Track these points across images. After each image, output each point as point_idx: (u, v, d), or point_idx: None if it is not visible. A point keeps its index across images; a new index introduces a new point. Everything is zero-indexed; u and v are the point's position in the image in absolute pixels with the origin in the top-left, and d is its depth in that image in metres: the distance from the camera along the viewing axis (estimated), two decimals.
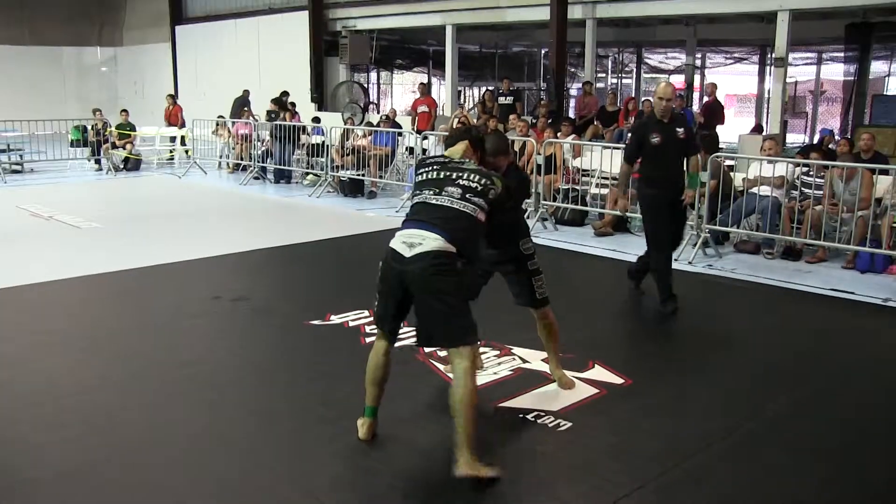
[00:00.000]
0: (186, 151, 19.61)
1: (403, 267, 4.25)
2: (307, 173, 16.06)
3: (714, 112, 15.58)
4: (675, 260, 9.32)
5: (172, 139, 20.12)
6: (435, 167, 4.58)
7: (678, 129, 7.42)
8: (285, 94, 19.55)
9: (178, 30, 26.92)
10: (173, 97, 20.94)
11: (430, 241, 4.22)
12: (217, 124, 18.77)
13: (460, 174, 4.48)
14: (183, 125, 19.97)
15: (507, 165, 5.11)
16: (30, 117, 18.10)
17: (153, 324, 7.03)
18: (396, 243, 4.32)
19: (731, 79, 28.76)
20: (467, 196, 4.38)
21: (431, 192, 4.44)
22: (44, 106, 23.16)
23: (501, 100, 17.42)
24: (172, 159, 19.79)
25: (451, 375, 5.63)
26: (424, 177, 4.56)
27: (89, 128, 18.56)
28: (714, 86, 16.12)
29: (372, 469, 4.37)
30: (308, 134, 16.09)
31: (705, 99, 15.43)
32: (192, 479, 4.31)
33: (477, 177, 4.47)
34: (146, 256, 9.25)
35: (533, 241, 5.27)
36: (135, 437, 4.74)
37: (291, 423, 4.96)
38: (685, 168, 7.62)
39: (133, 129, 18.92)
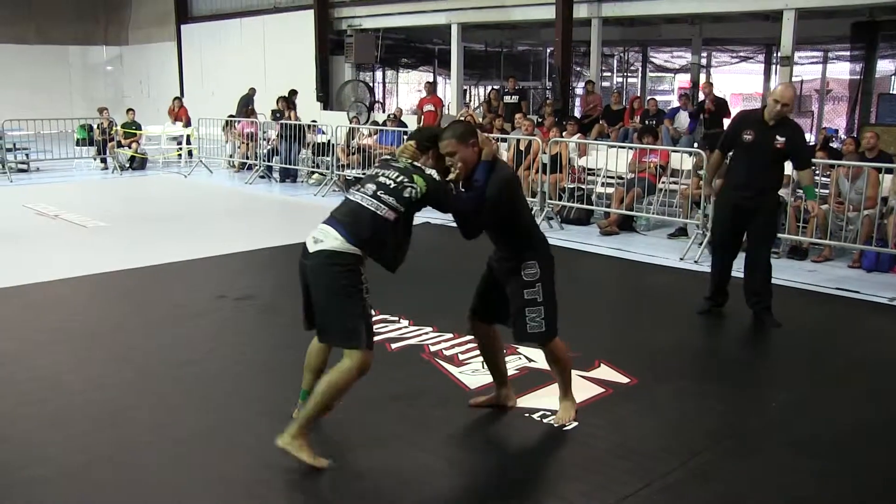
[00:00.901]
0: (190, 152, 19.58)
1: (305, 261, 4.36)
2: (313, 172, 16.05)
3: (720, 108, 15.38)
4: (682, 259, 9.35)
5: (180, 141, 20.03)
6: (375, 166, 4.60)
7: (778, 137, 6.79)
8: (294, 92, 19.57)
9: (184, 28, 26.93)
10: (179, 99, 20.96)
11: (330, 239, 4.25)
12: (227, 123, 18.76)
13: (384, 171, 4.45)
14: (188, 124, 19.93)
15: (479, 157, 4.56)
16: (35, 116, 18.14)
17: (158, 322, 7.04)
18: (308, 237, 4.39)
19: (737, 78, 28.76)
20: (378, 193, 4.33)
21: (354, 189, 4.46)
22: (49, 105, 23.23)
23: (507, 99, 17.42)
24: (182, 156, 19.71)
25: (458, 376, 5.66)
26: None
27: (95, 127, 18.56)
28: (710, 85, 15.91)
29: (377, 469, 4.37)
30: (313, 133, 16.10)
31: (703, 98, 15.31)
32: (197, 478, 4.31)
33: (395, 174, 4.40)
34: (151, 255, 9.27)
35: (541, 270, 4.70)
36: (139, 435, 4.74)
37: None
38: (775, 176, 7.03)
39: (139, 128, 18.93)
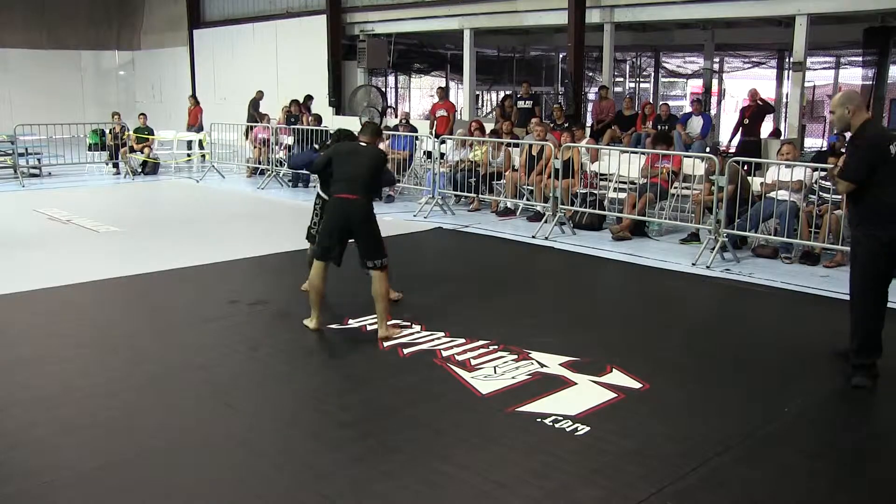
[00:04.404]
0: (203, 155, 19.60)
1: None
2: None
3: (761, 116, 15.26)
4: (694, 264, 9.32)
5: (191, 144, 20.08)
6: None
7: None
8: (310, 97, 19.63)
9: (196, 33, 27.04)
10: (195, 98, 21.07)
11: None
12: (248, 129, 18.79)
13: None
14: (201, 128, 19.97)
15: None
16: (48, 121, 18.18)
17: (171, 328, 7.06)
18: None
19: (749, 83, 28.71)
20: None
21: None
22: (62, 109, 23.31)
23: (520, 104, 17.45)
24: (197, 159, 19.70)
25: (470, 381, 5.66)
26: None
27: (107, 131, 18.63)
28: (756, 91, 15.81)
29: (391, 473, 4.37)
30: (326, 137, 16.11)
31: (747, 103, 15.32)
32: (209, 481, 4.32)
33: None
34: (164, 260, 9.29)
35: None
36: (152, 440, 4.75)
37: (309, 427, 4.97)
38: None
39: (151, 132, 18.96)
